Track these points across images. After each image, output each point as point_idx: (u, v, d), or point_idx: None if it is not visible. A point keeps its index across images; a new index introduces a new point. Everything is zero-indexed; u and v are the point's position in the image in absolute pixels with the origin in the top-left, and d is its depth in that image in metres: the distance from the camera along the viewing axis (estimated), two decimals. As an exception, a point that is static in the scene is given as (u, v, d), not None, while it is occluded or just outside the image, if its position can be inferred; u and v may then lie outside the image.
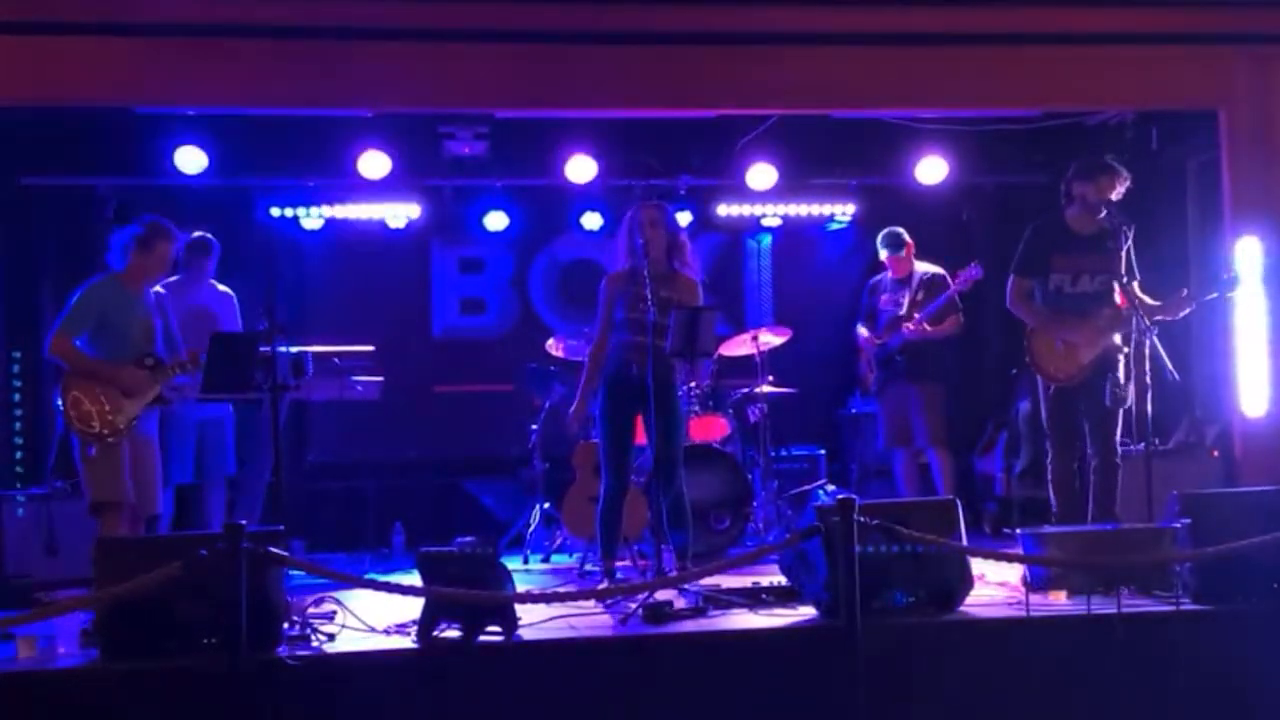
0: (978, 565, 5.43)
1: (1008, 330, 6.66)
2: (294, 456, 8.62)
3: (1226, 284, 6.48)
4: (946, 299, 7.78)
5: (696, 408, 7.87)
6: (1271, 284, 7.23)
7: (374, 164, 7.96)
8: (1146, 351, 6.07)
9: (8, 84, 6.61)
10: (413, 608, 4.98)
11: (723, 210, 9.22)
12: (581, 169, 8.28)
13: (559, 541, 7.94)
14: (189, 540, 4.87)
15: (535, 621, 5.07)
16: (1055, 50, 7.29)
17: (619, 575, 6.40)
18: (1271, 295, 7.24)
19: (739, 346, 8.29)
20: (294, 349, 6.76)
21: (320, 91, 7.03)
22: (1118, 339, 6.35)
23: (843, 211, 9.37)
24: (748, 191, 8.78)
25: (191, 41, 6.77)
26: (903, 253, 7.97)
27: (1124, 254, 6.35)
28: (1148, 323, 6.09)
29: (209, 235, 7.10)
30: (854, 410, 9.11)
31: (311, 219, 8.80)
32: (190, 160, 7.76)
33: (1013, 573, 5.76)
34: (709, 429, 8.01)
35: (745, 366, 8.35)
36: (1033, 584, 5.40)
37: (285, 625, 4.88)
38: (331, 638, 4.95)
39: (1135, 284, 6.32)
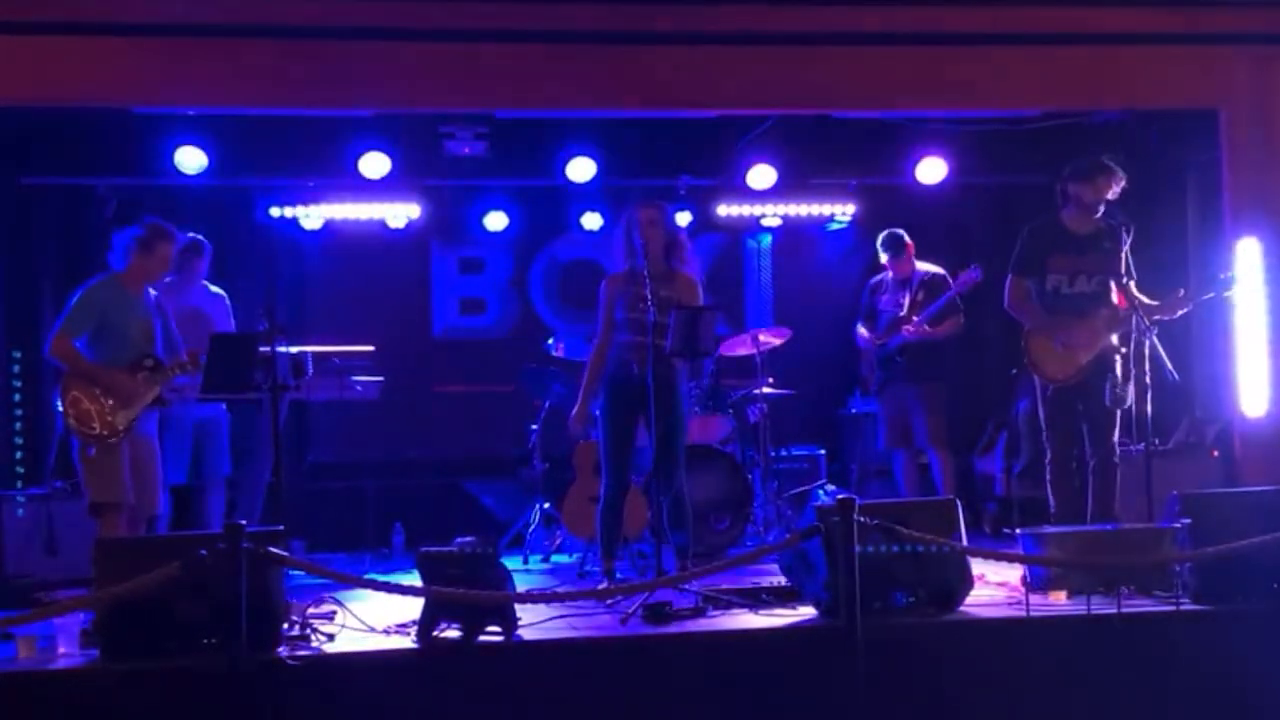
0: (978, 565, 5.43)
1: (1008, 330, 6.66)
2: (294, 456, 8.62)
3: (1223, 284, 6.48)
4: (946, 300, 7.78)
5: (696, 408, 7.87)
6: (1271, 284, 7.23)
7: (374, 164, 7.95)
8: (1146, 351, 6.07)
9: (8, 84, 6.60)
10: (413, 608, 4.98)
11: (723, 210, 9.21)
12: (581, 169, 8.28)
13: (559, 541, 7.95)
14: (189, 540, 4.87)
15: (535, 621, 5.07)
16: (1055, 50, 7.30)
17: (619, 575, 6.40)
18: (1271, 295, 7.24)
19: (739, 346, 8.29)
20: (294, 349, 6.75)
21: (320, 91, 7.03)
22: (1115, 339, 6.35)
23: (843, 211, 9.36)
24: (748, 191, 8.78)
25: (191, 41, 6.77)
26: (903, 255, 7.97)
27: (1123, 254, 6.35)
28: (1147, 323, 6.09)
29: (200, 237, 7.09)
30: (854, 410, 9.11)
31: (311, 219, 8.79)
32: (190, 160, 7.76)
33: (1013, 573, 5.76)
34: (709, 429, 8.01)
35: (745, 366, 8.35)
36: (1033, 584, 5.40)
37: (285, 625, 4.88)
38: (331, 638, 4.95)
39: (1131, 284, 6.32)
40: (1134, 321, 6.12)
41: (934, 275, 7.96)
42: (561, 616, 5.25)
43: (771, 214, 9.35)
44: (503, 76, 7.07)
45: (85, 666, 4.67)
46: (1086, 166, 6.45)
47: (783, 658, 4.86)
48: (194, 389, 6.25)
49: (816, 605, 5.17)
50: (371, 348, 7.54)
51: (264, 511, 7.00)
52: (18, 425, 7.84)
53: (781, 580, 5.59)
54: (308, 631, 4.94)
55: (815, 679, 4.69)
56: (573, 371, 8.13)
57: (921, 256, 8.07)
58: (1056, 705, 4.84)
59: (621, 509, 6.43)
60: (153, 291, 6.31)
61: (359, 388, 7.39)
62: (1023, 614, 5.08)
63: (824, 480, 8.52)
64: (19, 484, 7.55)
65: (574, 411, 6.53)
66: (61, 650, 4.81)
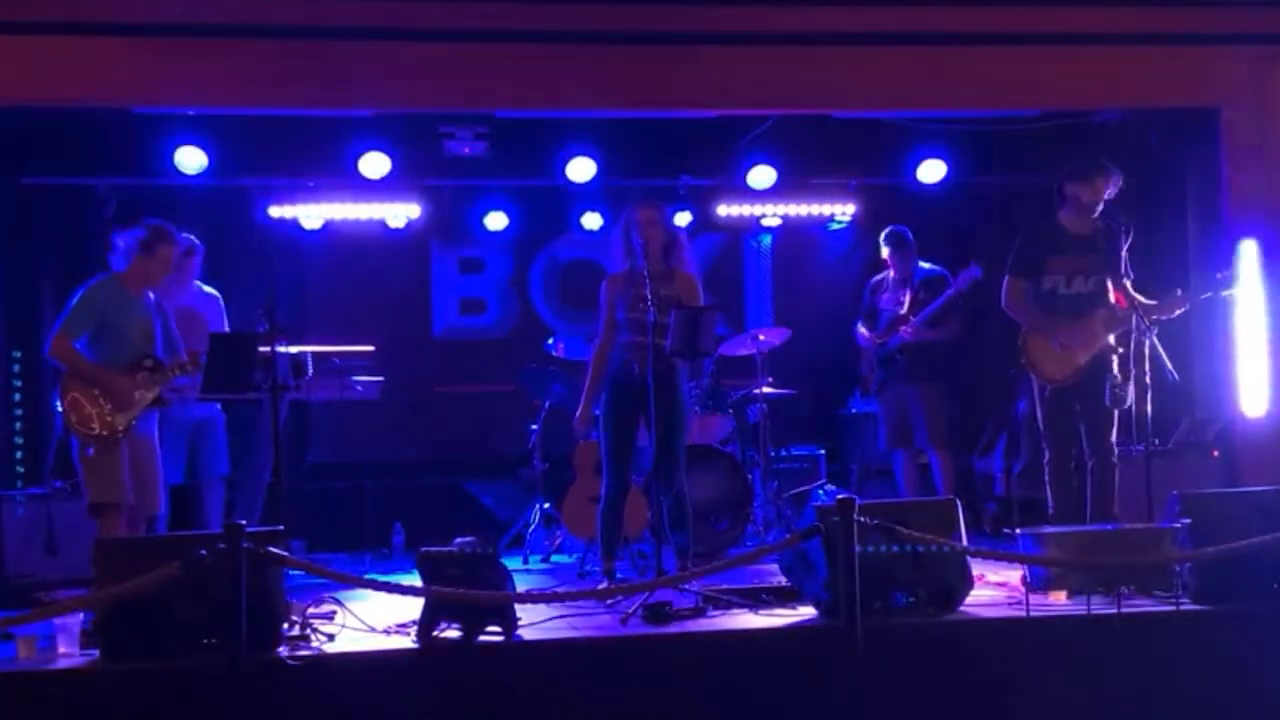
0: (978, 565, 5.43)
1: (1008, 330, 6.65)
2: (294, 456, 8.61)
3: (1221, 283, 6.48)
4: (945, 299, 7.78)
5: (696, 408, 7.87)
6: (1271, 284, 7.23)
7: (374, 164, 7.95)
8: (1146, 351, 6.06)
9: (8, 84, 6.61)
10: (413, 608, 4.98)
11: (723, 210, 9.21)
12: (581, 169, 8.28)
13: (559, 541, 7.95)
14: (189, 540, 4.86)
15: (535, 621, 5.07)
16: (1055, 50, 7.30)
17: (619, 575, 6.40)
18: (1271, 295, 7.24)
19: (739, 346, 8.29)
20: (294, 349, 6.75)
21: (320, 91, 7.04)
22: (1113, 339, 6.35)
23: (843, 211, 9.36)
24: (748, 191, 8.78)
25: (191, 41, 6.78)
26: (905, 251, 7.97)
27: (1122, 254, 6.35)
28: (1147, 323, 6.09)
29: (193, 237, 7.08)
30: (854, 410, 9.11)
31: (311, 219, 8.79)
32: (190, 160, 7.75)
33: (1013, 573, 5.76)
34: (709, 429, 8.01)
35: (745, 366, 8.35)
36: (1033, 584, 5.39)
37: (285, 625, 4.88)
38: (331, 638, 4.95)
39: (1128, 284, 6.32)
40: (1134, 321, 6.12)
41: (935, 274, 7.96)
42: (561, 616, 5.25)
43: (771, 214, 9.34)
44: (503, 76, 7.08)
45: (85, 666, 4.66)
46: (1084, 167, 6.44)
47: (783, 658, 4.86)
48: (194, 389, 6.25)
49: (816, 605, 5.17)
50: (371, 348, 7.54)
51: (264, 511, 7.00)
52: (18, 425, 7.83)
53: (781, 580, 5.59)
54: (308, 631, 4.94)
55: (815, 679, 4.69)
56: (573, 371, 8.14)
57: (921, 256, 8.07)
58: (1056, 705, 4.84)
59: (622, 509, 6.43)
60: (152, 293, 6.32)
61: (359, 388, 7.38)
62: (1023, 614, 5.08)
63: (824, 480, 8.52)
64: (19, 484, 7.55)
65: (578, 412, 6.53)
66: (61, 650, 4.80)
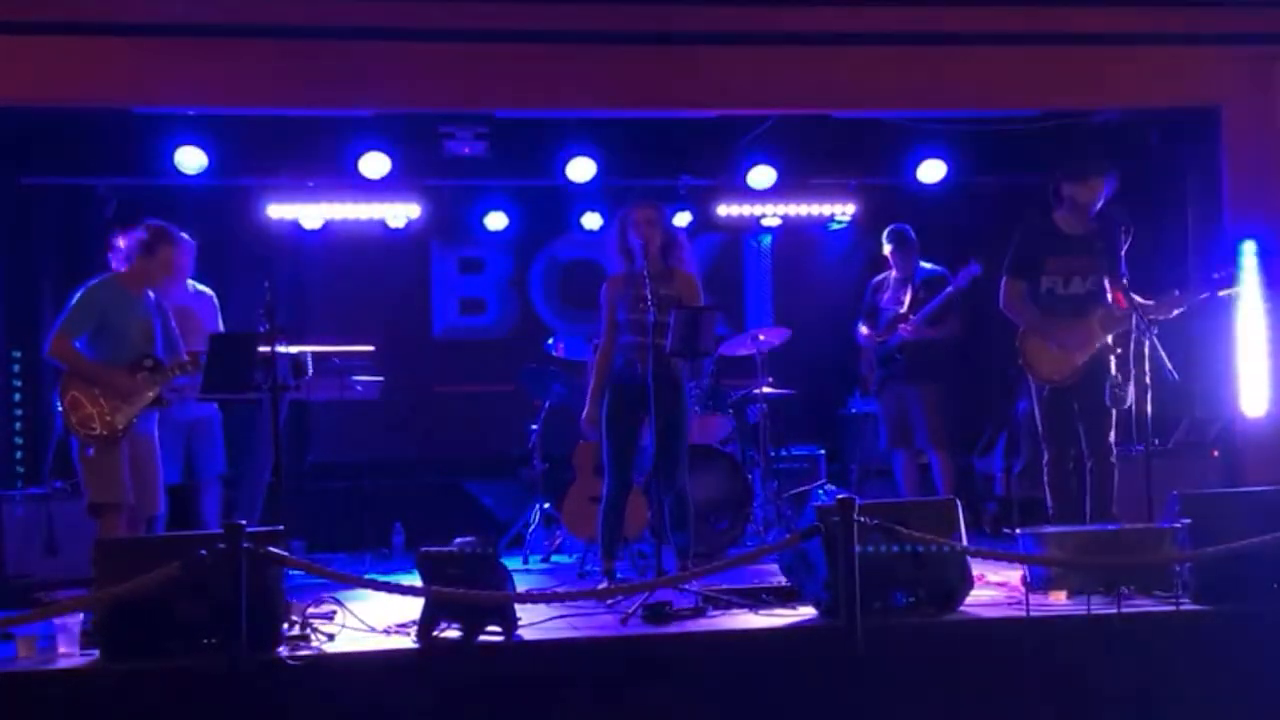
0: (978, 565, 5.43)
1: (1008, 330, 6.65)
2: (294, 456, 8.62)
3: (1219, 283, 6.47)
4: (945, 297, 7.78)
5: (696, 408, 7.87)
6: (1271, 284, 7.22)
7: (374, 164, 7.95)
8: (1146, 351, 6.06)
9: (8, 84, 6.61)
10: (413, 608, 4.98)
11: (723, 210, 9.21)
12: (581, 169, 8.28)
13: (559, 541, 7.95)
14: (189, 540, 4.86)
15: (535, 621, 5.06)
16: (1055, 50, 7.30)
17: (619, 575, 6.40)
18: (1271, 295, 7.24)
19: (739, 346, 8.29)
20: (294, 349, 6.76)
21: (320, 91, 7.04)
22: (1111, 339, 6.34)
23: (843, 211, 9.36)
24: (748, 191, 8.78)
25: (191, 41, 6.78)
26: (907, 249, 7.97)
27: (1120, 254, 6.35)
28: (1146, 322, 6.09)
29: (185, 235, 7.08)
30: (854, 410, 9.11)
31: (311, 219, 8.80)
32: (190, 160, 7.75)
33: (1013, 573, 5.76)
34: (709, 429, 8.01)
35: (745, 366, 8.35)
36: (1033, 584, 5.39)
37: (285, 625, 4.88)
38: (331, 638, 4.95)
39: (1123, 283, 6.31)
40: (1134, 321, 6.12)
41: (936, 274, 7.97)
42: (561, 616, 5.25)
43: (771, 214, 9.34)
44: (503, 76, 7.08)
45: (85, 666, 4.66)
46: (1080, 167, 6.43)
47: (783, 658, 4.86)
48: (194, 389, 6.25)
49: (816, 605, 5.17)
50: (371, 348, 7.54)
51: (264, 511, 7.00)
52: (18, 425, 7.84)
53: (781, 580, 5.59)
54: (308, 631, 4.94)
55: (815, 679, 4.69)
56: (573, 371, 8.15)
57: (922, 256, 8.07)
58: (1056, 705, 4.84)
59: (624, 509, 6.43)
60: (152, 293, 6.32)
61: (359, 388, 7.38)
62: (1023, 614, 5.08)
63: (824, 480, 8.52)
64: (19, 484, 7.55)
65: (584, 414, 6.52)
66: (61, 650, 4.80)
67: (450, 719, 4.64)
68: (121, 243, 6.17)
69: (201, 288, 7.14)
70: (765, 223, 9.45)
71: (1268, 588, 5.11)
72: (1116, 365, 6.28)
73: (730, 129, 8.29)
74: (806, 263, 9.84)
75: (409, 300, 9.45)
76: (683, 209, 8.83)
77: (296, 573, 5.20)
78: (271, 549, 4.56)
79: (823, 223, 9.56)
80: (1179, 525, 5.29)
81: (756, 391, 8.14)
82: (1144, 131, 8.15)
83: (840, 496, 4.68)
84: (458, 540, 5.26)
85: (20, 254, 8.14)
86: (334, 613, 5.24)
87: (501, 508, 9.09)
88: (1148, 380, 6.07)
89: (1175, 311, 6.35)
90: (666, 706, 4.71)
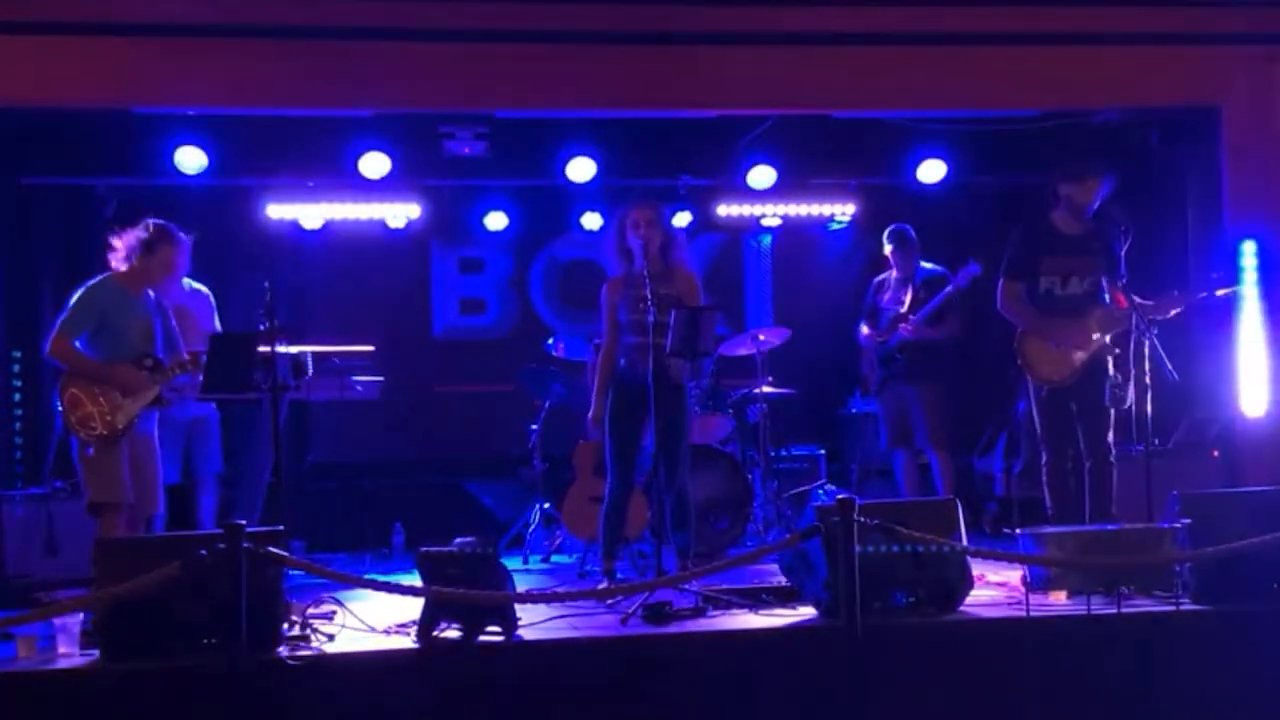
0: (978, 565, 5.43)
1: (1008, 330, 6.65)
2: (294, 456, 8.61)
3: (1218, 283, 6.47)
4: (944, 297, 7.78)
5: (696, 408, 7.86)
6: (1270, 284, 7.23)
7: (374, 164, 7.95)
8: (1146, 351, 6.06)
9: (8, 84, 6.61)
10: (413, 608, 4.98)
11: (723, 210, 9.21)
12: (581, 169, 8.28)
13: (559, 541, 7.94)
14: (188, 540, 4.86)
15: (535, 621, 5.06)
16: (1055, 50, 7.31)
17: (619, 575, 6.40)
18: (1270, 295, 7.24)
19: (739, 346, 8.29)
20: (294, 349, 6.75)
21: (320, 91, 7.04)
22: (1109, 339, 6.34)
23: (843, 211, 9.36)
24: (748, 191, 8.77)
25: (191, 41, 6.78)
26: (908, 249, 7.97)
27: (1120, 255, 6.35)
28: (1146, 322, 6.09)
29: (182, 234, 7.07)
30: (854, 410, 9.11)
31: (311, 219, 8.79)
32: (190, 160, 7.75)
33: (1013, 573, 5.76)
34: (709, 429, 8.01)
35: (745, 366, 8.35)
36: (1033, 584, 5.39)
37: (285, 625, 4.88)
38: (331, 638, 4.95)
39: (1123, 283, 6.32)
40: (1134, 321, 6.12)
41: (936, 274, 7.96)
42: (561, 616, 5.25)
43: (771, 214, 9.34)
44: (503, 76, 7.08)
45: (85, 666, 4.66)
46: (1077, 167, 6.44)
47: (783, 658, 4.86)
48: (194, 389, 6.25)
49: (816, 605, 5.17)
50: (371, 348, 7.54)
51: (264, 511, 6.99)
52: (17, 425, 7.83)
53: (781, 580, 5.59)
54: (308, 631, 4.94)
55: (815, 679, 4.69)
56: (573, 371, 8.15)
57: (922, 256, 8.06)
58: (1056, 705, 4.84)
59: (626, 510, 6.43)
60: (152, 292, 6.31)
61: (359, 388, 7.38)
62: (1023, 614, 5.08)
63: (824, 480, 8.52)
64: (19, 484, 7.55)
65: (591, 414, 6.51)
66: (61, 650, 4.80)
67: (450, 719, 4.65)
68: (117, 242, 6.16)
69: (198, 286, 7.13)
70: (765, 223, 9.45)
71: (1268, 588, 5.11)
72: (1116, 365, 6.28)
73: (730, 129, 8.29)
74: (806, 263, 9.84)
75: (409, 300, 9.45)
76: (683, 209, 8.83)
77: (296, 573, 5.20)
78: (271, 549, 4.55)
79: (823, 223, 9.56)
80: (1179, 525, 5.29)
81: (756, 391, 8.14)
82: (1144, 131, 8.15)
83: (840, 496, 4.68)
84: (458, 540, 5.26)
85: (20, 254, 8.14)
86: (334, 613, 5.24)
87: (501, 508, 9.09)
88: (1147, 380, 6.07)
89: (1175, 311, 6.35)
90: (666, 706, 4.71)
